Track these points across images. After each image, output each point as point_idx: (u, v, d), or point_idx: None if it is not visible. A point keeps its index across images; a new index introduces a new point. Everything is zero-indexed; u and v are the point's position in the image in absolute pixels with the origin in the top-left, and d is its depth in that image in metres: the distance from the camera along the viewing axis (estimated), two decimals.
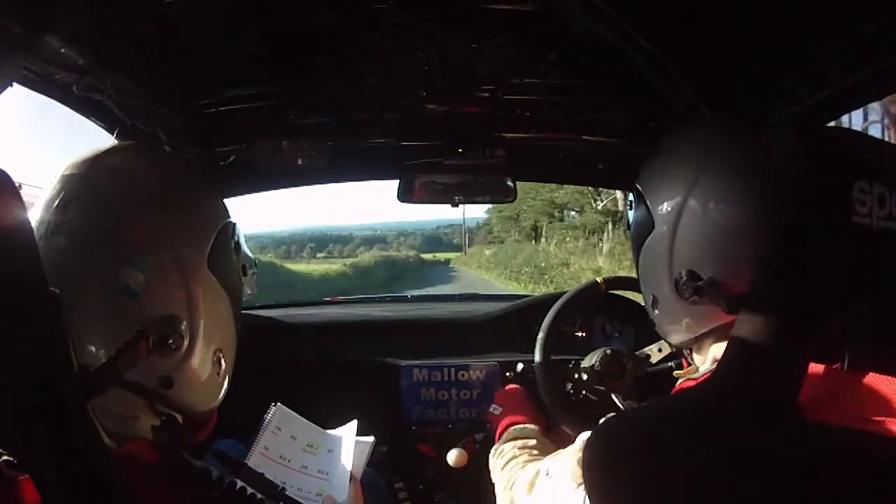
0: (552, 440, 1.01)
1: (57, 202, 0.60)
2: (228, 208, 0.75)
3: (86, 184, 0.62)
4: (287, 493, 0.69)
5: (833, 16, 0.74)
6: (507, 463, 0.93)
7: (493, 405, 1.13)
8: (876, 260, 0.49)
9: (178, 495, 0.57)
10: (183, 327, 0.62)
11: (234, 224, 0.73)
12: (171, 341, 0.60)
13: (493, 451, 1.01)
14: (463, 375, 1.41)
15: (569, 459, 0.65)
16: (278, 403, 0.91)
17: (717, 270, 0.57)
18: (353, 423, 0.95)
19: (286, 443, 0.89)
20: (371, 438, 0.94)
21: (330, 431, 0.94)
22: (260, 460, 0.80)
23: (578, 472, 0.60)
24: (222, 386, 0.71)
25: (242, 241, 0.76)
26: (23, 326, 0.41)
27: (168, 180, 0.69)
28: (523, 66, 1.06)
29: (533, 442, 0.97)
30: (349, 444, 0.91)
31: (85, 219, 0.59)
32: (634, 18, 0.82)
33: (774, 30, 0.80)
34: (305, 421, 0.93)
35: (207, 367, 0.66)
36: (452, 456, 1.23)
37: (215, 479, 0.59)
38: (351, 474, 0.86)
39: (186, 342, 0.62)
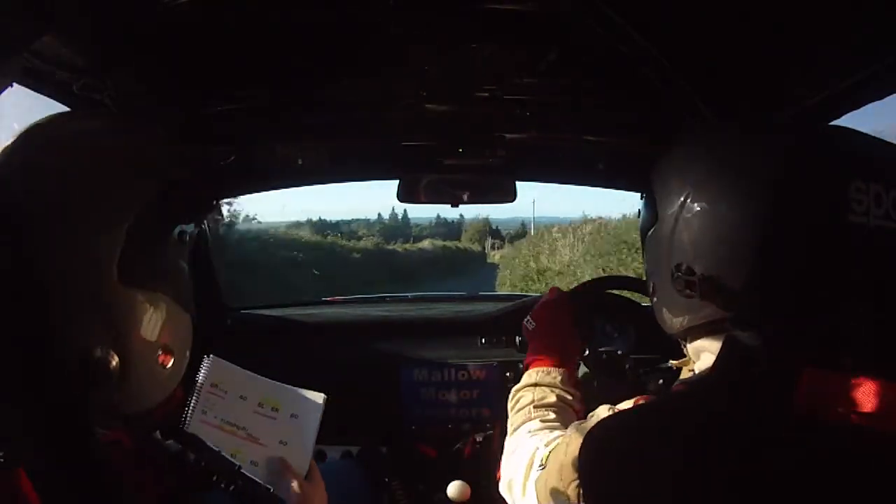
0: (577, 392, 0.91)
1: None
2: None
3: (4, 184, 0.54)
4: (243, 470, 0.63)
5: (833, 16, 0.74)
6: (519, 425, 0.87)
7: (528, 318, 1.02)
8: (873, 259, 0.49)
9: (158, 476, 0.60)
10: (110, 358, 0.55)
11: (157, 194, 0.59)
12: (96, 381, 0.55)
13: (513, 391, 0.93)
14: (463, 375, 1.41)
15: (562, 453, 0.65)
16: (211, 355, 0.71)
17: (711, 268, 0.57)
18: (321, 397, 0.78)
19: (234, 405, 0.71)
20: (322, 395, 0.78)
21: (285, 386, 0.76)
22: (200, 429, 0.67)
23: (572, 468, 0.60)
24: (177, 373, 0.65)
25: (176, 206, 0.63)
26: (17, 320, 0.41)
27: (62, 186, 0.55)
28: (523, 66, 1.07)
29: (552, 398, 0.88)
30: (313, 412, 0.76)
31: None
32: (634, 19, 0.82)
33: (775, 30, 0.80)
34: (249, 373, 0.74)
35: (149, 370, 0.61)
36: (453, 489, 1.25)
37: (188, 460, 0.61)
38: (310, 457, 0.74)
39: (116, 363, 0.56)
